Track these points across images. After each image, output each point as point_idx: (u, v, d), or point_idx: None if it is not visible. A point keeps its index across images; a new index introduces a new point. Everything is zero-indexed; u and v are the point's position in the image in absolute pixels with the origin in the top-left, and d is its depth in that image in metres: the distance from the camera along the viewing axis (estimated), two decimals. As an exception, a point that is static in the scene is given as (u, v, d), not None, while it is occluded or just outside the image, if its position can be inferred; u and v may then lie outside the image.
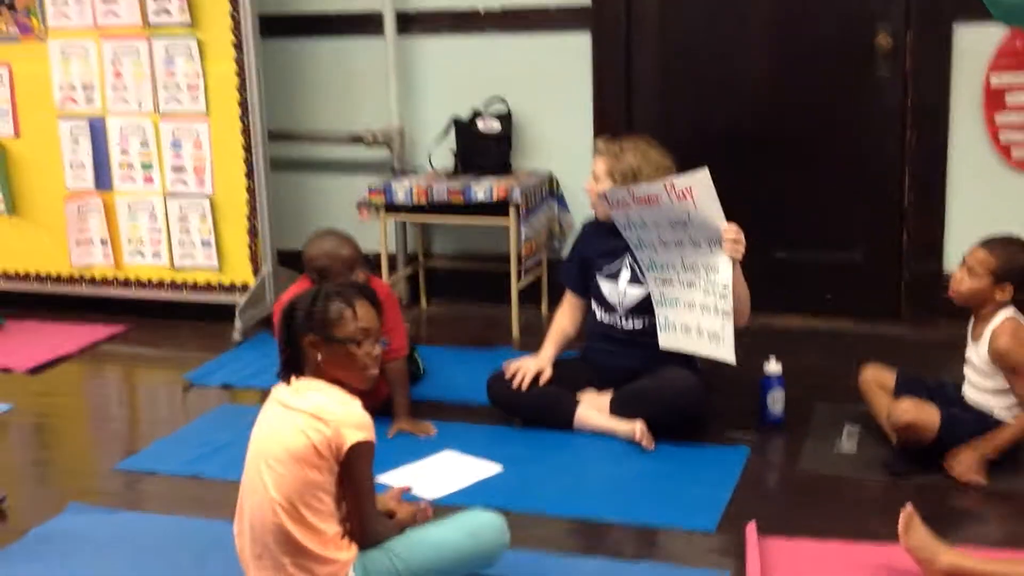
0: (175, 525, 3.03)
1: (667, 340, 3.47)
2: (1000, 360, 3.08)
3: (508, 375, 3.56)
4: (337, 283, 2.61)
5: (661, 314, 3.48)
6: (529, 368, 3.55)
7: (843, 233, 4.49)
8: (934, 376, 3.43)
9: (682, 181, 3.26)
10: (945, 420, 3.08)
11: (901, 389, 3.30)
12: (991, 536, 2.85)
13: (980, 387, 3.14)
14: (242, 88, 4.57)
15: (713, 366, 3.57)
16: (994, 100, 4.20)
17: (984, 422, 3.12)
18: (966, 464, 3.07)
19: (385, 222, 4.65)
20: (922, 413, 3.09)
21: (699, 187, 3.22)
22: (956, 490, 3.04)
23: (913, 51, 4.26)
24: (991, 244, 3.14)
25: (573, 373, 3.64)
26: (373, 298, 2.58)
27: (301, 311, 2.51)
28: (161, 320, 4.83)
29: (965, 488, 3.04)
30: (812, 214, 4.53)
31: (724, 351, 3.30)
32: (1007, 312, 3.11)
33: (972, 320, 3.22)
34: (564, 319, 3.71)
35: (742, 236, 3.25)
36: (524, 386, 3.52)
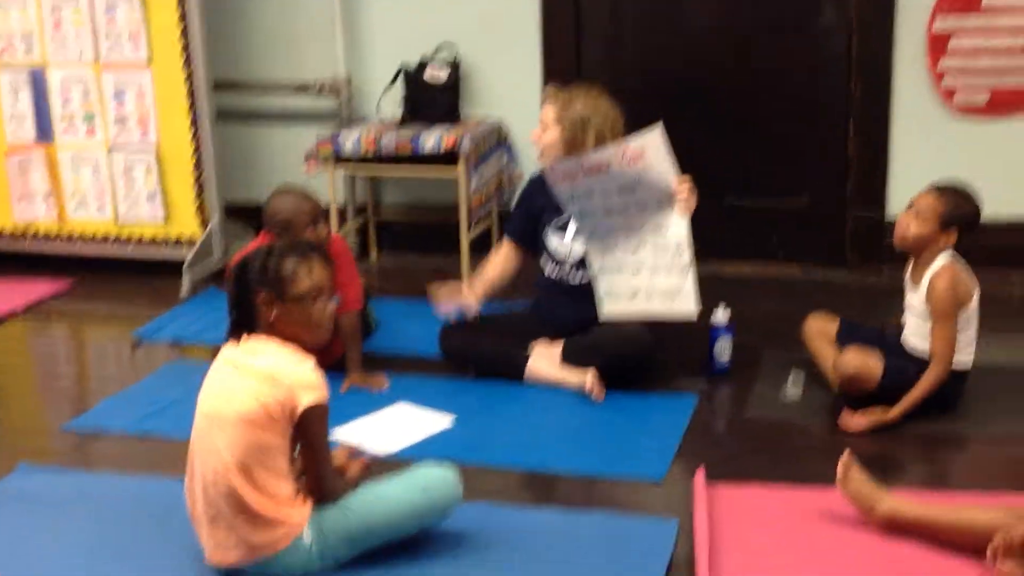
0: (127, 484, 3.03)
1: (610, 309, 3.47)
2: (931, 302, 3.14)
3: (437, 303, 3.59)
4: (289, 240, 2.60)
5: (603, 284, 3.48)
6: (453, 303, 3.57)
7: (789, 180, 4.53)
8: (876, 323, 3.49)
9: (635, 144, 3.25)
10: (888, 369, 3.14)
11: (843, 337, 3.36)
12: (930, 480, 2.93)
13: (920, 333, 3.20)
14: (185, 36, 4.49)
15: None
16: (937, 45, 4.23)
17: (924, 368, 3.18)
18: (865, 423, 3.12)
19: (333, 174, 4.61)
20: (866, 363, 3.14)
21: (652, 147, 3.23)
22: (896, 434, 3.11)
23: (857, -2, 4.28)
24: (940, 190, 3.18)
25: (524, 325, 3.66)
26: (325, 255, 2.57)
27: (254, 268, 2.49)
28: (107, 275, 4.77)
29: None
30: (759, 161, 4.56)
31: (683, 305, 3.33)
32: (946, 256, 3.17)
33: (911, 265, 3.27)
34: (494, 269, 3.67)
35: (694, 189, 3.28)
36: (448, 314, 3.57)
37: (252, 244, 3.49)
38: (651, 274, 3.38)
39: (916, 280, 3.21)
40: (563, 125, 3.48)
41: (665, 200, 3.31)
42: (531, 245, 3.69)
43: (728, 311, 3.56)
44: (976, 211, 3.17)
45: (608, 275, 3.47)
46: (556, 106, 3.51)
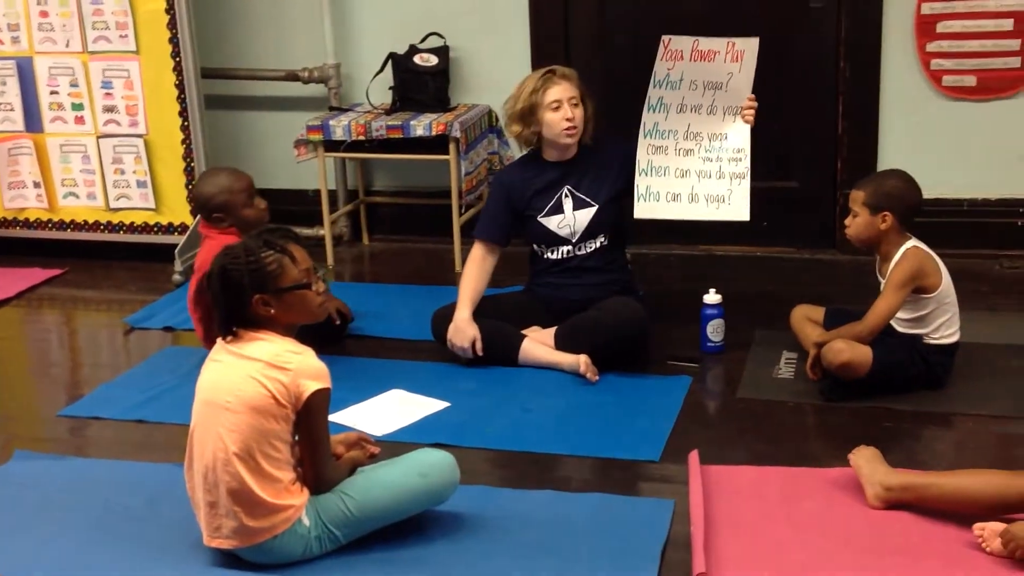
0: (124, 470, 3.04)
1: (644, 209, 3.59)
2: (889, 273, 3.16)
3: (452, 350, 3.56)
4: (258, 233, 2.58)
5: (643, 183, 3.59)
6: (465, 347, 3.51)
7: (780, 161, 4.54)
8: (865, 305, 3.50)
9: (740, 43, 3.49)
10: (877, 355, 3.15)
11: (830, 323, 3.38)
12: (922, 458, 2.95)
13: (903, 320, 3.23)
14: (172, 25, 4.48)
15: (655, 295, 3.68)
16: (925, 29, 4.25)
17: (913, 346, 3.21)
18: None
19: (324, 160, 4.62)
20: (855, 352, 3.14)
21: (749, 52, 3.48)
22: (884, 412, 3.14)
23: (846, -20, 4.30)
24: (862, 180, 3.26)
25: (518, 308, 3.67)
26: (296, 235, 2.58)
27: (236, 271, 2.46)
28: (98, 262, 4.77)
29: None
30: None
31: (730, 211, 3.54)
32: (909, 243, 3.19)
33: (877, 260, 3.29)
34: (475, 278, 3.61)
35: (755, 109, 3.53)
36: (474, 355, 3.52)
37: (207, 248, 3.44)
38: (698, 179, 3.54)
39: (883, 274, 3.24)
40: (588, 100, 3.58)
41: (732, 112, 3.53)
42: (507, 241, 3.70)
43: (719, 292, 3.58)
44: (901, 186, 3.19)
45: (650, 176, 3.58)
46: (573, 83, 3.57)
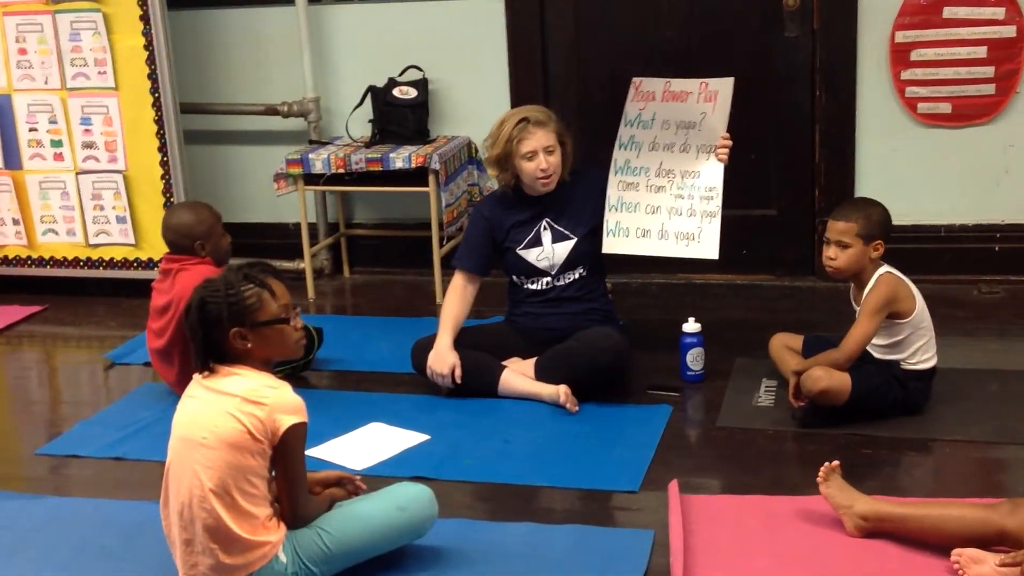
0: (101, 508, 3.02)
1: (613, 244, 3.60)
2: (864, 300, 3.17)
3: (432, 379, 3.55)
4: (238, 267, 2.57)
5: (612, 219, 3.60)
6: (444, 374, 3.50)
7: (758, 190, 4.56)
8: (843, 331, 3.52)
9: (714, 83, 3.48)
10: (856, 381, 3.16)
11: (808, 351, 3.39)
12: (901, 484, 2.96)
13: (879, 346, 3.24)
14: (151, 61, 4.49)
15: (634, 324, 3.68)
16: (899, 57, 4.29)
17: (891, 372, 3.22)
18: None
19: (303, 193, 4.62)
20: (833, 379, 3.15)
21: (723, 93, 3.46)
22: (863, 438, 3.14)
23: (820, 10, 4.33)
24: (844, 212, 3.24)
25: (498, 339, 3.67)
26: (276, 270, 2.58)
27: (215, 305, 2.46)
28: (78, 298, 4.75)
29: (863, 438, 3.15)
30: (727, 172, 4.58)
31: (699, 249, 3.53)
32: (882, 269, 3.21)
33: (852, 288, 3.30)
34: (456, 306, 3.61)
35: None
36: (454, 384, 3.51)
37: (186, 274, 3.46)
38: (668, 216, 3.54)
39: (858, 302, 3.25)
40: (563, 140, 3.56)
41: (705, 150, 3.53)
42: (487, 271, 3.70)
43: (699, 321, 3.58)
44: (884, 212, 3.23)
45: (621, 212, 3.58)
46: (549, 129, 3.53)
